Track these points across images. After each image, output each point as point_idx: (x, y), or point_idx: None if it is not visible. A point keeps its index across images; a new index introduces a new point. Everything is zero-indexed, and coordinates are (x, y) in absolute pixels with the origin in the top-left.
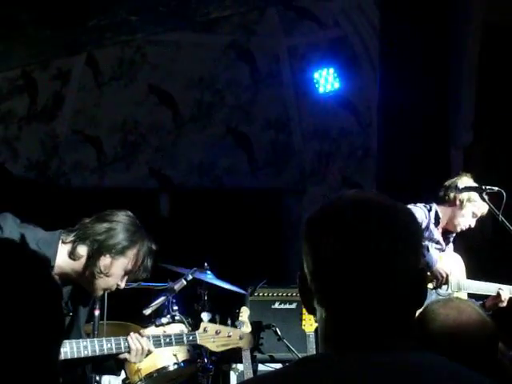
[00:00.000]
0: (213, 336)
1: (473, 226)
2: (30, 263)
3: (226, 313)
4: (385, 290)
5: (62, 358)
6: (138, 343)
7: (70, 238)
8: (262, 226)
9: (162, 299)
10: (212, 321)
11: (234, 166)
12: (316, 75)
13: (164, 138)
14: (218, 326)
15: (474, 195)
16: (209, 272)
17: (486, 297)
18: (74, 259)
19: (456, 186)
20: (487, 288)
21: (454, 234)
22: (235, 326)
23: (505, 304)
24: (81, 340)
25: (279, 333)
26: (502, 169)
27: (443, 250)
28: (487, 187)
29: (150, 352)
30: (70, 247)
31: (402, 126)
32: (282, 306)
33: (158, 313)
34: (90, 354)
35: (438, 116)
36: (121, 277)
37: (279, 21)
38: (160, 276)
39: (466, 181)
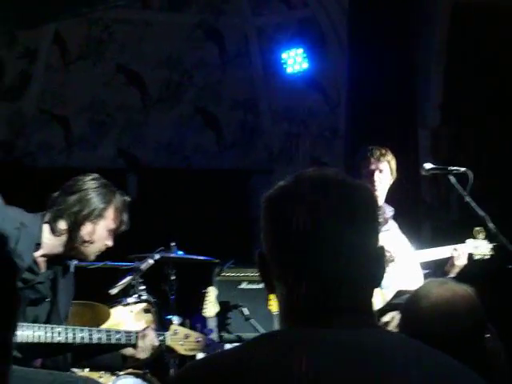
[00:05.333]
0: (182, 339)
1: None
2: None
3: (193, 293)
4: (341, 266)
5: (37, 340)
6: (146, 341)
7: (48, 217)
8: (229, 207)
9: (128, 279)
10: (182, 325)
11: (202, 146)
12: (284, 55)
13: (132, 117)
14: (187, 331)
15: None
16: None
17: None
18: (58, 235)
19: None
20: (442, 252)
21: (391, 212)
22: (204, 333)
23: (464, 259)
24: (70, 327)
25: (246, 313)
26: (470, 150)
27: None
28: (454, 168)
29: (155, 346)
30: (50, 225)
31: (370, 106)
32: (250, 286)
33: (125, 292)
34: (77, 341)
35: (407, 96)
36: (107, 237)
37: (247, 0)
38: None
39: None
